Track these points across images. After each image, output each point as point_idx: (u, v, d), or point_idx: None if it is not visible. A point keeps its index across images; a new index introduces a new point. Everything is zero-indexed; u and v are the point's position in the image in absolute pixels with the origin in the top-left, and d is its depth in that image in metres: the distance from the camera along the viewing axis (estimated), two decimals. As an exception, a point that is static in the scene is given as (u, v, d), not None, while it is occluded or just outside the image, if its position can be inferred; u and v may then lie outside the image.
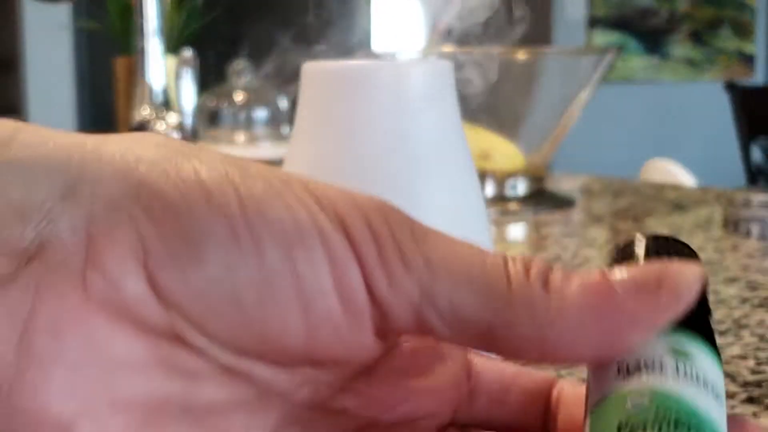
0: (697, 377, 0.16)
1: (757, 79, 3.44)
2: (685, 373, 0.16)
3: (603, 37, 3.17)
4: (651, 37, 3.26)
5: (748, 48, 3.43)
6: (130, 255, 0.15)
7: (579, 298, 0.15)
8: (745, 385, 0.39)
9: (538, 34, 3.06)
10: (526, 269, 0.16)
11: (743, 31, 3.42)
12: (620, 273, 0.16)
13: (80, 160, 0.16)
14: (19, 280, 0.15)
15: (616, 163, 2.91)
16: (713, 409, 0.16)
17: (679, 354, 0.16)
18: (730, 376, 0.40)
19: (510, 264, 0.16)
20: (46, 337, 0.14)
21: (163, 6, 0.75)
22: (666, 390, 0.15)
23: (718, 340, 0.45)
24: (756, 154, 2.39)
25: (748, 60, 3.44)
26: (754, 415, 0.36)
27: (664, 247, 0.17)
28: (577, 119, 0.77)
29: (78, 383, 0.15)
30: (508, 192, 0.75)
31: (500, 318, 0.15)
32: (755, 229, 0.68)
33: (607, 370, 0.16)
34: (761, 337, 0.46)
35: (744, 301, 0.53)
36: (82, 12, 2.24)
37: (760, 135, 2.36)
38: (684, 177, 1.96)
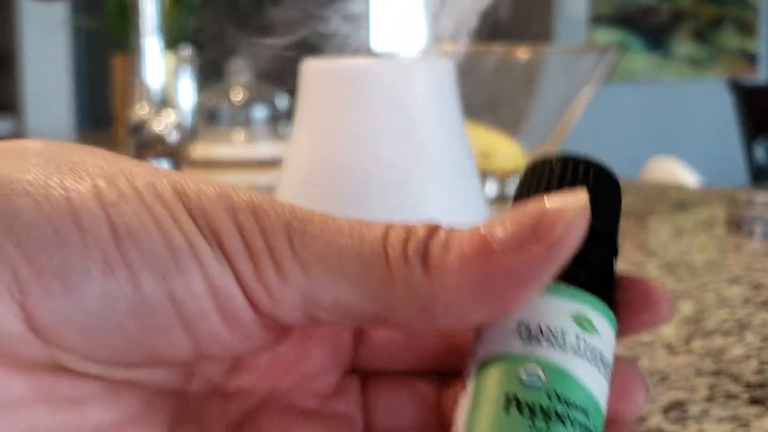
0: (594, 352, 0.15)
1: (760, 77, 3.43)
2: (584, 347, 0.15)
3: (605, 35, 3.16)
4: (653, 35, 3.26)
5: (752, 46, 3.43)
6: (5, 294, 0.15)
7: (459, 268, 0.15)
8: (748, 386, 0.39)
9: (540, 32, 3.06)
10: (404, 245, 0.15)
11: (746, 29, 3.41)
12: (499, 228, 0.15)
13: None
14: None
15: (618, 161, 2.90)
16: (604, 388, 0.16)
17: (580, 322, 0.16)
18: (733, 377, 0.40)
19: (389, 243, 0.15)
20: None
21: (161, 3, 0.74)
22: (562, 366, 0.15)
23: (719, 340, 0.45)
24: (759, 152, 2.38)
25: (751, 58, 3.43)
26: (757, 416, 0.36)
27: (571, 171, 0.17)
28: (579, 118, 0.76)
29: None
30: (510, 191, 0.74)
31: (384, 305, 0.15)
32: (758, 229, 0.68)
33: (505, 324, 0.16)
34: (764, 338, 0.45)
35: (747, 301, 0.52)
36: (80, 10, 2.24)
37: (763, 134, 2.36)
38: (686, 175, 1.96)
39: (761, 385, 0.39)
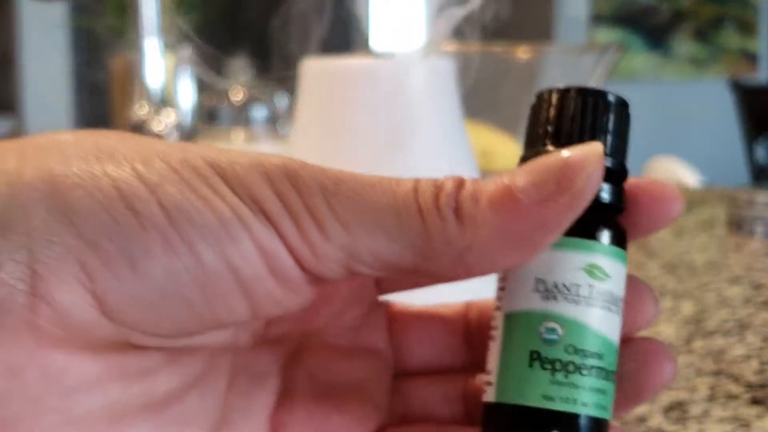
0: (607, 296, 0.17)
1: (761, 77, 3.43)
2: (597, 295, 0.17)
3: (606, 35, 3.16)
4: (654, 34, 3.25)
5: (752, 46, 3.42)
6: (75, 284, 0.15)
7: (490, 218, 0.16)
8: (749, 386, 0.39)
9: (541, 31, 3.05)
10: (435, 198, 0.17)
11: (747, 28, 3.41)
12: (523, 180, 0.16)
13: (6, 190, 0.16)
14: None
15: (618, 161, 2.90)
16: (616, 324, 0.17)
17: (591, 272, 0.17)
18: (733, 378, 0.40)
19: (420, 197, 0.17)
20: (4, 378, 0.15)
21: (161, 4, 0.74)
22: (577, 319, 0.17)
23: (720, 340, 0.45)
24: (760, 152, 2.38)
25: (751, 58, 3.43)
26: (758, 416, 0.36)
27: (584, 105, 0.18)
28: (579, 117, 0.76)
29: (40, 413, 0.15)
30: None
31: (420, 255, 0.17)
32: (759, 229, 0.68)
33: (525, 280, 0.17)
34: (765, 338, 0.45)
35: (747, 301, 0.52)
36: (80, 10, 2.24)
37: (764, 133, 2.36)
38: (687, 175, 1.96)
39: (762, 386, 0.39)
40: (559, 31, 3.07)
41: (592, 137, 0.18)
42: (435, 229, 0.16)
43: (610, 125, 0.18)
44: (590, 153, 0.16)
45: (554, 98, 0.18)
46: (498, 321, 0.18)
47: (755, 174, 2.32)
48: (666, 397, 0.39)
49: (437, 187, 0.17)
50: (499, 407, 0.17)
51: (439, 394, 0.20)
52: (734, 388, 0.39)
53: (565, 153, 0.16)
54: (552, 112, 0.18)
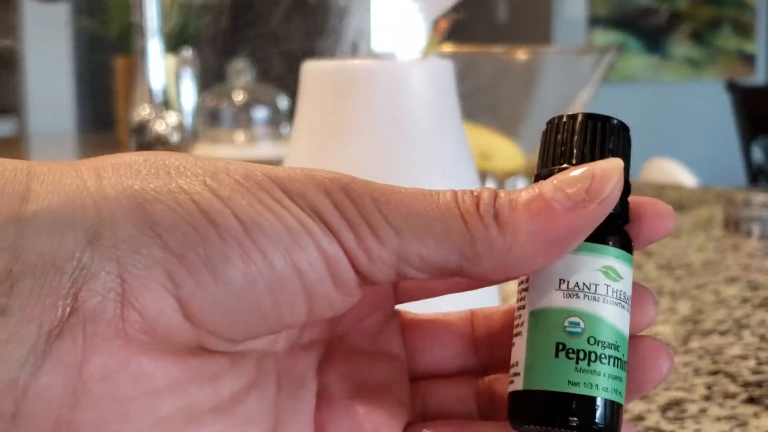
0: (620, 294, 0.20)
1: (757, 78, 3.43)
2: (612, 293, 0.19)
3: (603, 37, 3.16)
4: (651, 36, 3.26)
5: (749, 47, 3.43)
6: (162, 292, 0.17)
7: (527, 223, 0.18)
8: (746, 385, 0.39)
9: (539, 33, 3.06)
10: (476, 207, 0.18)
11: (744, 30, 3.42)
12: (554, 190, 0.19)
13: (93, 205, 0.17)
14: (65, 335, 0.16)
15: (616, 162, 2.90)
16: (627, 320, 0.20)
17: (607, 273, 0.19)
18: (730, 377, 0.40)
19: (461, 205, 0.19)
20: (98, 382, 0.16)
21: (163, 3, 0.75)
22: (597, 314, 0.19)
23: (717, 339, 0.45)
24: (757, 153, 2.38)
25: (748, 59, 3.43)
26: (755, 415, 0.36)
27: (594, 129, 0.20)
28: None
29: (129, 415, 0.17)
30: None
31: (465, 258, 0.18)
32: (756, 229, 0.68)
33: (549, 281, 0.19)
34: (762, 337, 0.45)
35: (744, 301, 0.52)
36: (82, 11, 2.24)
37: (760, 134, 2.36)
38: (684, 176, 1.96)
39: (759, 385, 0.39)
40: (558, 33, 3.07)
41: (602, 156, 0.20)
42: (478, 233, 0.18)
43: (617, 146, 0.20)
44: (614, 167, 0.19)
45: (565, 123, 0.21)
46: (523, 318, 0.20)
47: (752, 174, 2.32)
48: (664, 396, 0.39)
49: (476, 196, 0.19)
50: (528, 394, 0.19)
51: (453, 394, 0.22)
52: (731, 387, 0.39)
53: (593, 166, 0.19)
54: (564, 135, 0.20)
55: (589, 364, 0.19)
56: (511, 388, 0.20)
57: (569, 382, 0.19)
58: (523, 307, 0.20)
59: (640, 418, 0.38)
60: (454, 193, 0.19)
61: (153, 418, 0.17)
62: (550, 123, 0.21)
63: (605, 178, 0.19)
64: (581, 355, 0.19)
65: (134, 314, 0.16)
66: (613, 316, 0.19)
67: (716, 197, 1.06)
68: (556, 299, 0.19)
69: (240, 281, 0.17)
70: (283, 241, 0.17)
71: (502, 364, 0.22)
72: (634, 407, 0.39)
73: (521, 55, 0.69)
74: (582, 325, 0.19)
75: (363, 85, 0.38)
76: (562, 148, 0.20)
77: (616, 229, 0.20)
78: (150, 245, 0.17)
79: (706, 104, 3.29)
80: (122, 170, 0.18)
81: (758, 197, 0.57)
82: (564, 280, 0.19)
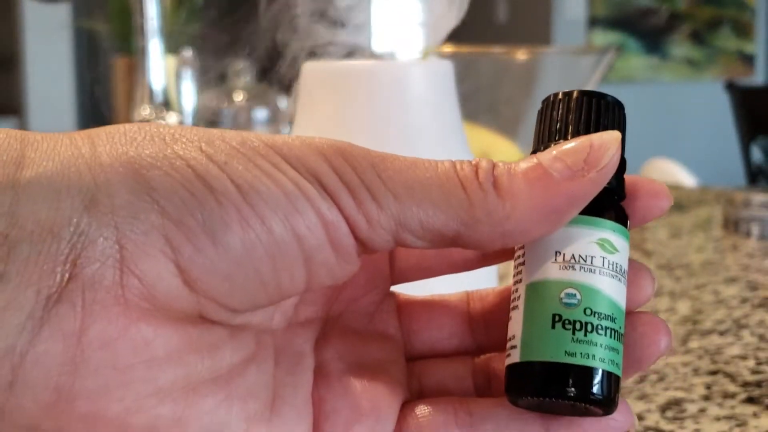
0: (616, 267, 0.19)
1: (757, 78, 3.43)
2: (608, 266, 0.19)
3: (603, 37, 3.17)
4: (651, 36, 3.26)
5: (748, 48, 3.43)
6: (161, 257, 0.16)
7: (526, 191, 0.18)
8: (745, 385, 0.39)
9: (538, 33, 3.06)
10: (475, 174, 0.18)
11: (743, 30, 3.42)
12: (552, 158, 0.19)
13: (88, 172, 0.17)
14: (64, 301, 0.16)
15: (616, 162, 2.90)
16: (623, 292, 0.20)
17: (602, 245, 0.19)
18: (730, 376, 0.40)
19: (460, 173, 0.18)
20: (98, 350, 0.16)
21: (163, 5, 0.75)
22: (593, 286, 0.19)
23: (717, 339, 0.45)
24: (756, 154, 2.39)
25: (748, 60, 3.43)
26: (754, 415, 0.36)
27: (589, 105, 0.20)
28: (577, 119, 0.76)
29: (128, 383, 0.16)
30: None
31: (464, 224, 0.18)
32: (755, 229, 0.68)
33: (545, 253, 0.19)
34: (761, 337, 0.46)
35: (744, 301, 0.53)
36: (82, 12, 2.24)
37: (760, 135, 2.36)
38: (684, 177, 1.96)
39: (758, 384, 0.39)
40: (557, 33, 3.08)
41: (597, 131, 0.20)
42: (477, 199, 0.18)
43: (612, 122, 0.20)
44: (612, 138, 0.19)
45: (561, 100, 0.21)
46: (520, 291, 0.20)
47: (751, 175, 2.32)
48: (663, 396, 0.39)
49: (474, 165, 0.19)
50: (525, 365, 0.19)
51: (450, 373, 0.22)
52: (731, 387, 0.39)
53: (591, 137, 0.19)
54: (560, 112, 0.20)
55: (585, 335, 0.19)
56: (508, 361, 0.20)
57: (566, 352, 0.19)
58: (520, 281, 0.20)
59: (639, 417, 0.38)
60: (453, 162, 0.19)
61: (152, 386, 0.17)
62: (545, 101, 0.21)
63: (603, 148, 0.19)
64: (578, 325, 0.19)
65: (133, 280, 0.16)
66: (609, 288, 0.19)
67: (716, 197, 1.06)
68: (552, 271, 0.19)
69: (239, 247, 0.17)
70: (282, 206, 0.17)
71: (498, 343, 0.22)
72: (633, 406, 0.39)
73: (521, 55, 0.69)
74: (578, 296, 0.19)
75: (363, 85, 0.38)
76: (558, 125, 0.20)
77: (612, 204, 0.20)
78: (147, 211, 0.16)
79: (705, 104, 3.29)
80: (117, 138, 0.17)
81: (757, 197, 0.57)
82: (560, 253, 0.19)
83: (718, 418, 0.38)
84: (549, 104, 0.21)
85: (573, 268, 0.19)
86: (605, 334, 0.19)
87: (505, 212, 0.18)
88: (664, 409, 0.39)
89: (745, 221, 0.61)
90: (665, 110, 3.28)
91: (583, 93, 0.20)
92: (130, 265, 0.16)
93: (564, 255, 0.19)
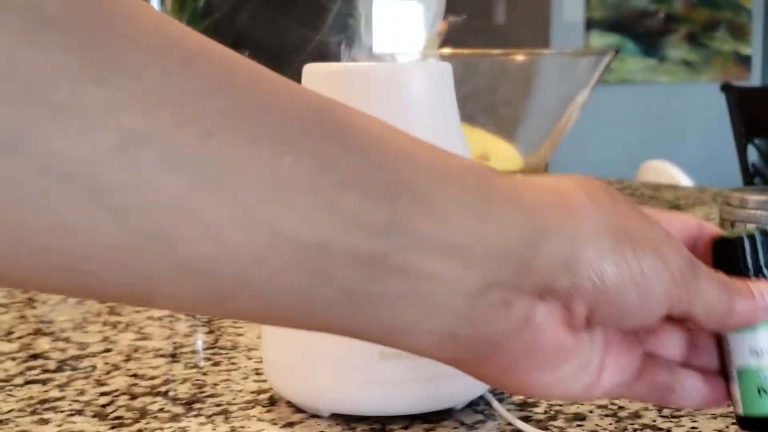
0: None
1: (753, 80, 3.45)
2: None
3: (600, 39, 3.18)
4: (648, 38, 3.27)
5: (745, 49, 3.44)
6: (584, 307, 0.24)
7: (744, 302, 0.27)
8: (742, 383, 0.40)
9: (537, 36, 3.06)
10: (726, 282, 0.27)
11: (739, 32, 3.43)
12: (758, 285, 0.27)
13: (566, 214, 0.24)
14: (537, 311, 0.23)
15: (613, 164, 2.92)
16: None
17: None
18: (726, 375, 0.41)
19: (731, 286, 0.27)
20: (541, 351, 0.24)
21: (164, 8, 0.75)
22: None
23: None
24: (752, 155, 2.39)
25: (744, 61, 3.45)
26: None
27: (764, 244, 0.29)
28: (574, 120, 0.77)
29: (549, 367, 0.25)
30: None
31: (697, 308, 0.26)
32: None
33: (742, 347, 0.28)
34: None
35: (740, 300, 0.53)
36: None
37: (756, 136, 2.37)
38: (681, 178, 1.97)
39: (754, 382, 0.39)
40: (555, 36, 3.08)
41: None
42: (726, 297, 0.27)
43: None
44: None
45: (748, 242, 0.28)
46: (732, 369, 0.29)
47: (747, 176, 2.33)
48: (660, 394, 0.39)
49: (726, 279, 0.27)
50: (747, 417, 0.29)
51: (671, 342, 0.29)
52: (727, 385, 0.39)
53: None
54: (753, 254, 0.28)
55: None
56: (736, 410, 0.29)
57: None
58: (730, 361, 0.29)
59: (636, 415, 0.39)
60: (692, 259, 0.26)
61: (552, 370, 0.25)
62: (733, 239, 0.28)
63: None
64: None
65: (567, 313, 0.24)
66: None
67: (712, 197, 1.06)
68: (751, 360, 0.28)
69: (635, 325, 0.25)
70: (683, 273, 0.26)
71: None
72: (630, 405, 0.40)
73: (519, 57, 0.70)
74: None
75: (362, 87, 0.38)
76: (761, 263, 0.28)
77: None
78: (583, 284, 0.23)
79: (702, 106, 3.30)
80: (573, 206, 0.24)
81: (754, 197, 0.57)
82: (754, 348, 0.28)
83: (714, 416, 0.38)
84: (739, 243, 0.28)
85: (765, 356, 0.28)
86: None
87: (731, 305, 0.27)
88: (660, 407, 0.39)
89: (742, 221, 0.62)
90: (662, 112, 3.29)
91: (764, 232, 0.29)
92: (569, 305, 0.24)
93: (756, 349, 0.28)
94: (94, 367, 0.46)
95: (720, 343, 0.29)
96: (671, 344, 0.29)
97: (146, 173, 0.17)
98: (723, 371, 0.29)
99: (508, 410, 0.39)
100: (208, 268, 0.19)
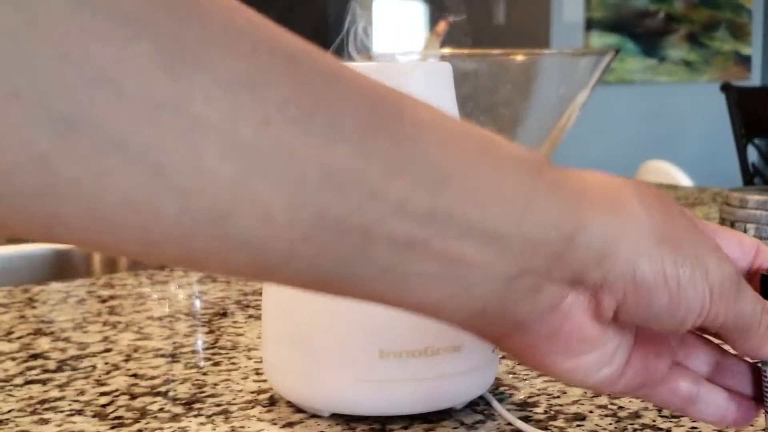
0: None
1: (753, 80, 3.45)
2: None
3: (600, 40, 3.18)
4: (648, 39, 3.27)
5: (745, 49, 3.45)
6: (612, 301, 0.25)
7: None
8: (741, 383, 0.40)
9: (537, 36, 3.06)
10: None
11: (739, 32, 3.43)
12: None
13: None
14: (565, 298, 0.24)
15: (613, 164, 2.92)
16: None
17: None
18: (726, 375, 0.41)
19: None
20: (564, 337, 0.25)
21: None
22: None
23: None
24: (752, 155, 2.39)
25: (744, 61, 3.45)
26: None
27: None
28: (574, 120, 0.77)
29: (571, 353, 0.25)
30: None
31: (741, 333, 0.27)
32: (751, 230, 0.69)
33: None
34: (757, 336, 0.46)
35: (740, 300, 0.53)
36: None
37: (756, 136, 2.37)
38: (681, 178, 1.97)
39: (754, 382, 0.39)
40: (555, 36, 3.08)
41: None
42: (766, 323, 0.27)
43: None
44: None
45: None
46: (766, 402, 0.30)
47: (747, 176, 2.33)
48: (660, 394, 0.39)
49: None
50: None
51: (701, 357, 0.30)
52: (727, 385, 0.39)
53: None
54: None
55: None
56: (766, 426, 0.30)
57: None
58: (766, 393, 0.30)
59: (636, 415, 0.39)
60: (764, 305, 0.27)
61: (573, 356, 0.26)
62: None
63: None
64: None
65: (593, 304, 0.25)
66: None
67: (712, 197, 1.06)
68: None
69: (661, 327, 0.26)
70: (731, 282, 0.26)
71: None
72: (630, 405, 0.40)
73: (519, 57, 0.70)
74: None
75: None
76: None
77: None
78: (622, 284, 0.24)
79: (702, 106, 3.30)
80: (628, 213, 0.25)
81: (754, 197, 0.57)
82: None
83: (714, 416, 0.38)
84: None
85: None
86: None
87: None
88: (660, 407, 0.39)
89: (742, 221, 0.62)
90: (662, 112, 3.29)
91: None
92: (596, 298, 0.25)
93: None
94: (94, 367, 0.46)
95: (757, 372, 0.30)
96: (699, 359, 0.30)
97: (206, 157, 0.19)
98: (758, 398, 0.30)
99: (508, 410, 0.39)
100: (258, 243, 0.20)
